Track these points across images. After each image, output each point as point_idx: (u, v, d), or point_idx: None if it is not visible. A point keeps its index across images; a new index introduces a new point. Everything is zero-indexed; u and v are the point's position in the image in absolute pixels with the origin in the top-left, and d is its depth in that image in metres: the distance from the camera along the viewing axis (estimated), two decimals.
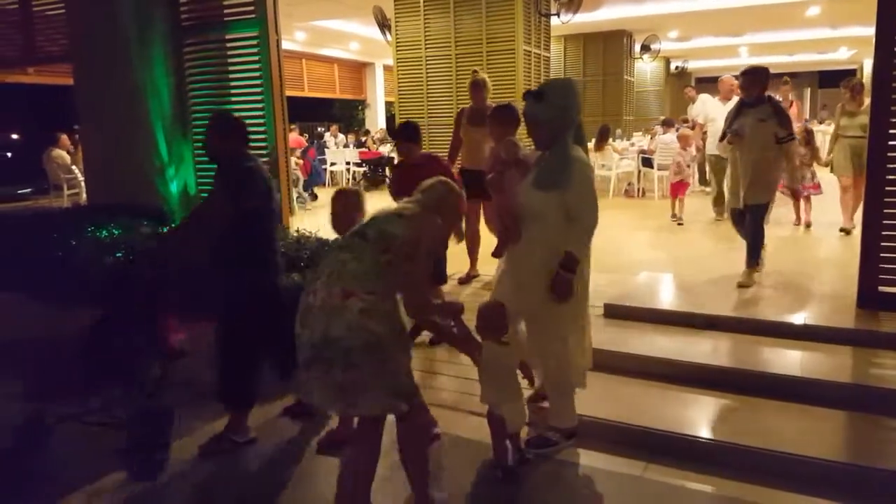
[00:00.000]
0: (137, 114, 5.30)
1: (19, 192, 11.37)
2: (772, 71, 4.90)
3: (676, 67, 19.65)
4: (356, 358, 2.07)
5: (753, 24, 14.14)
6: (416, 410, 2.32)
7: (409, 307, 2.28)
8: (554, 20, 9.57)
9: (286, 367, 3.07)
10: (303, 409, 3.30)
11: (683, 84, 16.03)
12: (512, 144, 3.11)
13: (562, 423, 2.95)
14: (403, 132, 4.33)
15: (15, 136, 15.07)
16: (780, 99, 7.98)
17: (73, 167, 10.10)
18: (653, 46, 14.82)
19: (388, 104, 18.29)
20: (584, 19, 11.17)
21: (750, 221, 4.66)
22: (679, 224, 7.51)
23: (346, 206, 3.01)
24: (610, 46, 14.56)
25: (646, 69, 16.58)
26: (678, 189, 7.73)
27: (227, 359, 3.03)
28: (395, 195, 4.00)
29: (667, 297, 4.64)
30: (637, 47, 15.07)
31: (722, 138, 4.94)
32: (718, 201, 7.29)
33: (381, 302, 2.15)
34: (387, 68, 17.87)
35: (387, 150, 13.00)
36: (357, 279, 2.15)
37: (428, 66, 9.41)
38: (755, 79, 4.61)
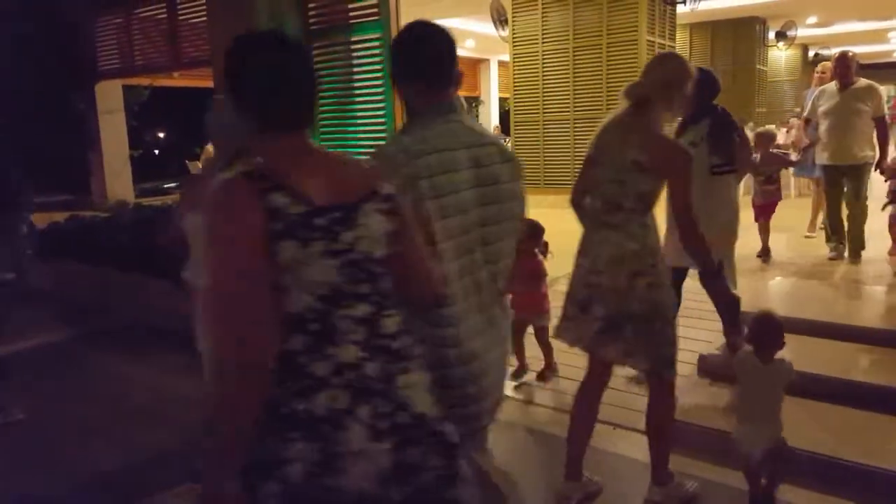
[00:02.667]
0: None
1: (165, 186, 12.39)
2: None
3: (815, 55, 18.07)
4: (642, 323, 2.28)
5: None
6: (671, 385, 2.43)
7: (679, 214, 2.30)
8: (680, 8, 9.08)
9: None
10: None
11: None
12: None
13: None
14: None
15: (161, 135, 16.52)
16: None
17: None
18: (789, 33, 13.68)
19: (503, 100, 18.26)
20: (713, 6, 10.52)
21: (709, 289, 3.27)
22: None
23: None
24: (741, 34, 13.59)
25: (780, 57, 15.34)
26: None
27: None
28: None
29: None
30: (771, 34, 13.97)
31: None
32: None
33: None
34: (501, 64, 17.83)
35: None
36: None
37: (544, 61, 9.25)
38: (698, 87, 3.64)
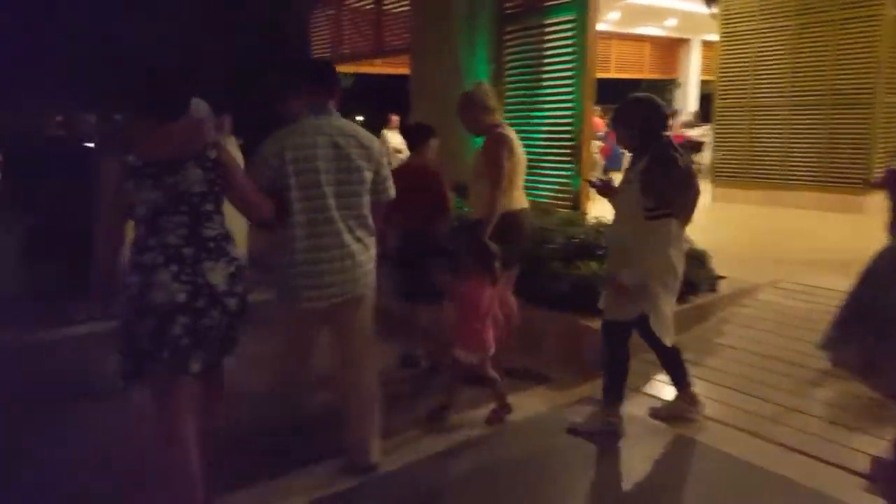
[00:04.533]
0: (456, 97, 5.72)
1: None
2: None
3: None
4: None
5: None
6: None
7: None
8: None
9: None
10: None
11: None
12: None
13: None
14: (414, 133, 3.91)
15: (359, 118, 17.79)
16: None
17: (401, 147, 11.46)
18: None
19: (704, 83, 16.84)
20: None
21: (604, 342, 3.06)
22: None
23: None
24: None
25: None
26: None
27: None
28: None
29: None
30: None
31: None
32: None
33: None
34: (705, 44, 16.43)
35: (696, 133, 12.00)
36: None
37: (760, 40, 8.32)
38: (627, 114, 2.95)
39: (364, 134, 2.69)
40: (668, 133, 2.94)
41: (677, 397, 3.16)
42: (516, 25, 5.58)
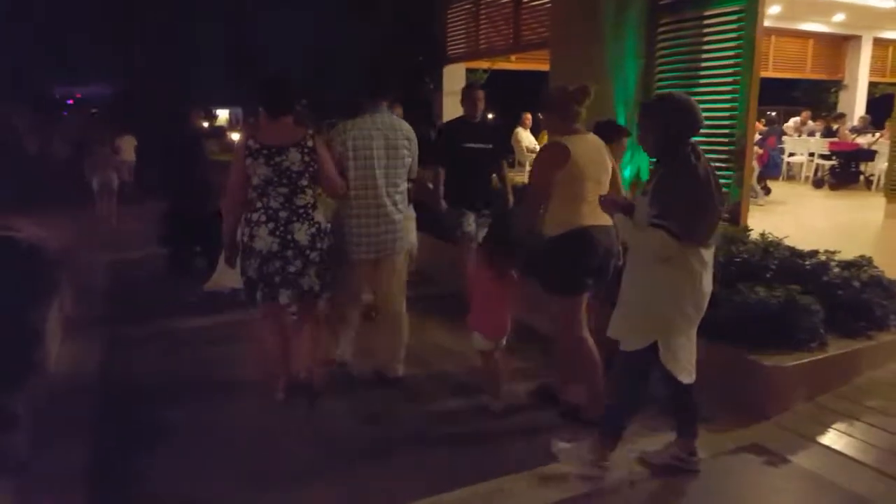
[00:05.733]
0: (601, 95, 5.34)
1: None
2: None
3: None
4: None
5: None
6: None
7: None
8: None
9: None
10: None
11: None
12: None
13: None
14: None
15: (490, 116, 17.64)
16: None
17: (535, 147, 11.14)
18: None
19: (873, 85, 15.02)
20: None
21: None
22: None
23: None
24: None
25: None
26: None
27: None
28: None
29: None
30: None
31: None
32: None
33: None
34: (877, 42, 14.62)
35: (867, 141, 10.63)
36: None
37: None
38: (648, 115, 2.57)
39: (407, 128, 3.49)
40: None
41: (675, 444, 2.72)
42: (672, 17, 5.10)
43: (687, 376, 2.51)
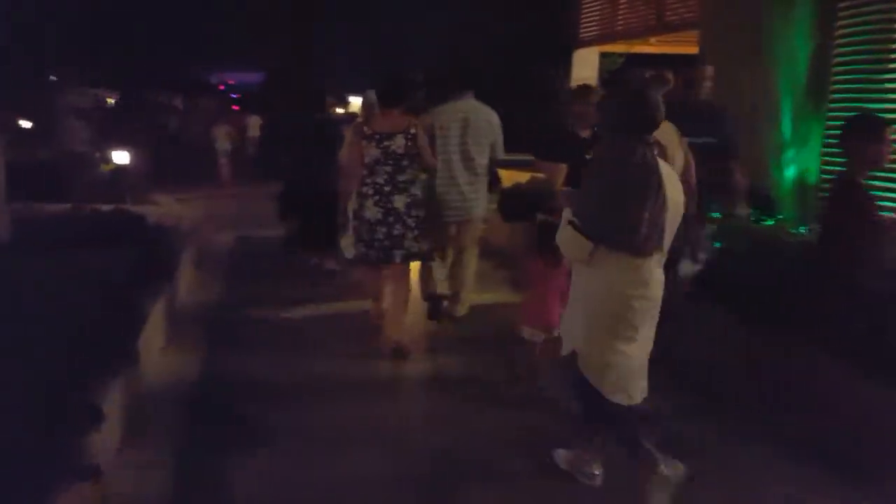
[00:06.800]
0: (762, 83, 4.64)
1: None
2: None
3: None
4: None
5: None
6: None
7: None
8: None
9: None
10: None
11: None
12: None
13: None
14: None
15: None
16: None
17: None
18: None
19: None
20: None
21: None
22: None
23: None
24: None
25: None
26: None
27: None
28: None
29: None
30: None
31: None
32: None
33: None
34: None
35: None
36: None
37: None
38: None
39: (488, 111, 4.05)
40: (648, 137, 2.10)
41: (584, 448, 2.46)
42: None
43: (618, 396, 2.16)
